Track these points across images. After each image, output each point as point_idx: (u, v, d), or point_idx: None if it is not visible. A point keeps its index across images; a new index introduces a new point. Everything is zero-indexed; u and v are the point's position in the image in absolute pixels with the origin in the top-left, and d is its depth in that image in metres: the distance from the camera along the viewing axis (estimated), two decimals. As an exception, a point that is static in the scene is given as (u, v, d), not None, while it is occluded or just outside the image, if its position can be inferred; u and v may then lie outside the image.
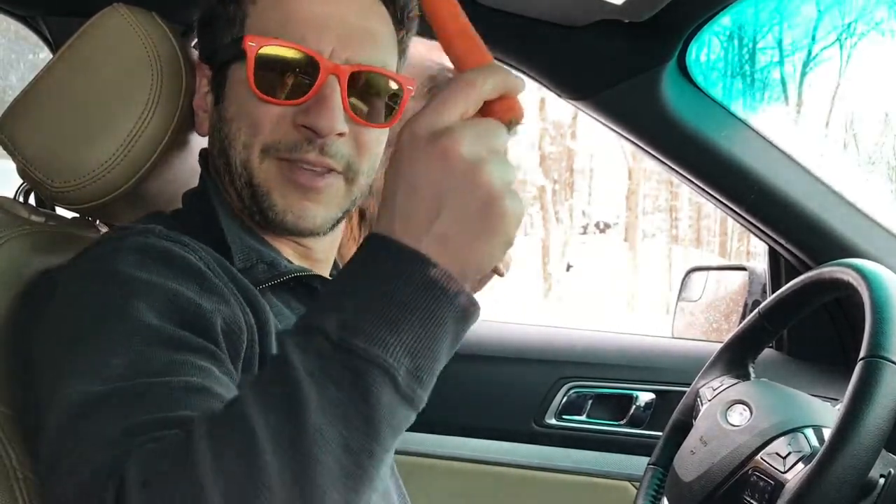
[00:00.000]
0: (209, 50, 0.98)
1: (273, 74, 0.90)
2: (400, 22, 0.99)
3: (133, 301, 0.73)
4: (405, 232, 0.63)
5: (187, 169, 1.08)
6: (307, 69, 0.90)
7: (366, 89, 0.93)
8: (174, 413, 0.63)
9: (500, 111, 0.67)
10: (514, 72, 0.69)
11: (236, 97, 0.93)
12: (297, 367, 0.59)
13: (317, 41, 0.90)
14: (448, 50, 0.70)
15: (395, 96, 0.96)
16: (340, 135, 0.91)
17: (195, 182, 1.02)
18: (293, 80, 0.90)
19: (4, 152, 1.01)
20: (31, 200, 1.11)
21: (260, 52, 0.89)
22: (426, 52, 1.55)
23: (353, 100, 0.92)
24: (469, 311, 0.64)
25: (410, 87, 0.97)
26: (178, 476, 0.56)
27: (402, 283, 0.61)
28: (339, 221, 0.98)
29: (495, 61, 0.68)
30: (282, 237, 0.98)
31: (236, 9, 0.94)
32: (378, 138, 0.98)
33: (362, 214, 2.00)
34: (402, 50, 1.02)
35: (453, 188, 0.62)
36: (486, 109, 0.66)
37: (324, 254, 1.04)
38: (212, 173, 0.99)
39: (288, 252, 0.99)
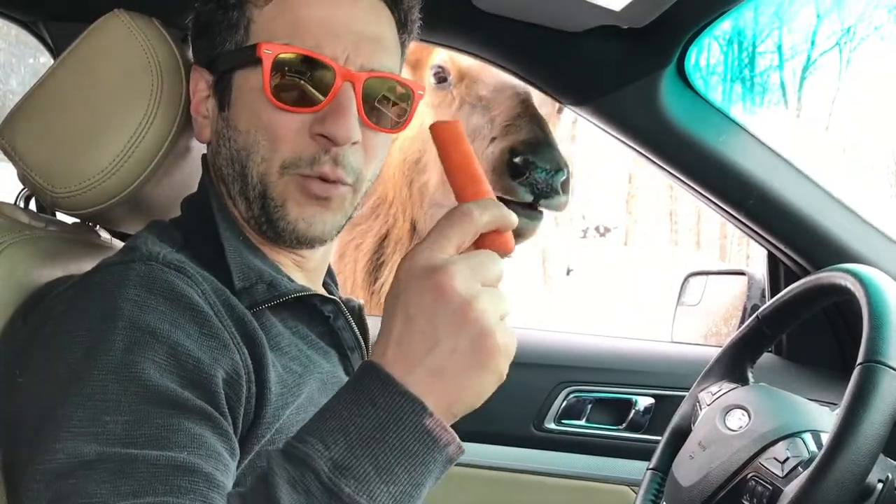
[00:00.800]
0: (209, 55, 0.96)
1: (289, 83, 0.89)
2: (404, 25, 0.99)
3: (133, 354, 0.73)
4: (399, 361, 0.65)
5: (187, 174, 1.08)
6: (323, 76, 0.89)
7: (379, 95, 0.94)
8: (163, 498, 0.64)
9: (495, 244, 0.71)
10: (506, 208, 0.72)
11: (248, 105, 0.92)
12: None
13: (332, 48, 0.89)
14: (450, 179, 0.75)
15: (406, 101, 0.96)
16: (354, 143, 0.91)
17: (196, 187, 1.01)
18: (308, 87, 0.89)
19: (5, 157, 1.01)
20: (32, 206, 1.11)
21: (276, 59, 0.88)
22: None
23: (367, 106, 0.92)
24: (454, 458, 0.67)
25: (421, 93, 0.98)
26: None
27: (396, 427, 0.64)
28: (341, 228, 0.98)
29: (493, 198, 0.72)
30: (282, 248, 0.97)
31: (239, 14, 0.93)
32: (385, 143, 0.98)
33: (413, 227, 2.02)
34: (403, 53, 1.02)
35: (448, 322, 0.65)
36: (480, 241, 0.70)
37: (319, 263, 1.04)
38: (215, 179, 0.98)
39: (286, 263, 0.99)
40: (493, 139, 1.81)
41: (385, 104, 0.95)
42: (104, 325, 0.75)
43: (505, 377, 0.69)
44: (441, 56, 1.96)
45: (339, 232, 0.98)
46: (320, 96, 0.89)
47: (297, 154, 0.90)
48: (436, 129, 0.77)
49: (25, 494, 0.67)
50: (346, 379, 0.97)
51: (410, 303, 0.66)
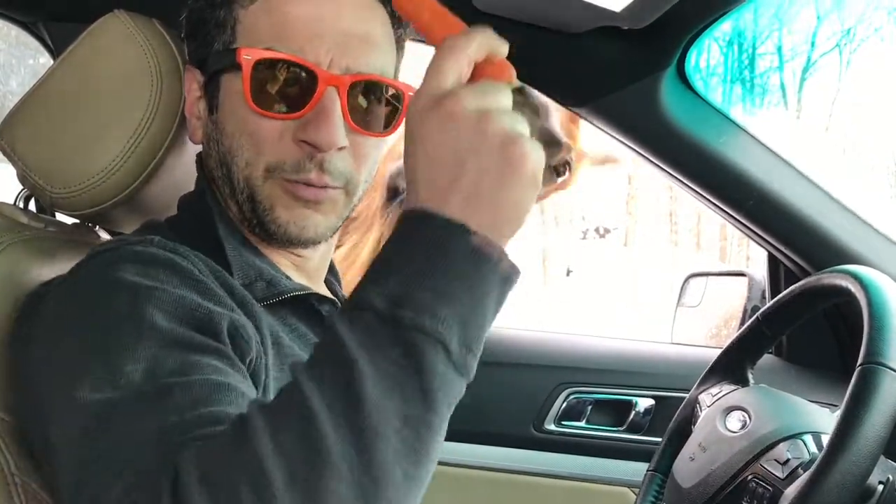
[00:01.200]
0: (199, 54, 0.95)
1: (270, 87, 0.87)
2: (398, 20, 0.97)
3: (140, 305, 0.72)
4: (431, 199, 0.63)
5: (187, 174, 1.08)
6: (305, 81, 0.87)
7: (366, 98, 0.91)
8: (206, 409, 0.63)
9: (493, 73, 0.68)
10: (493, 32, 0.70)
11: (233, 109, 0.91)
12: (349, 344, 0.59)
13: (314, 50, 0.87)
14: (428, 37, 0.72)
15: (396, 103, 0.94)
16: (340, 148, 0.89)
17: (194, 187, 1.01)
18: (291, 92, 0.87)
19: (4, 157, 1.01)
20: (32, 206, 1.11)
21: (255, 64, 0.86)
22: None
23: (353, 109, 0.89)
24: (511, 276, 0.64)
25: (411, 94, 0.93)
26: (239, 465, 0.56)
27: (443, 253, 0.61)
28: (337, 229, 0.97)
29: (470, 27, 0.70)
30: (279, 248, 0.97)
31: (227, 13, 0.91)
32: (377, 146, 0.96)
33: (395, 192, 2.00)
34: (399, 48, 0.99)
35: (467, 144, 0.63)
36: (477, 74, 0.68)
37: (318, 263, 1.03)
38: (209, 180, 0.98)
39: (284, 263, 0.98)
40: None
41: (374, 107, 0.93)
42: (106, 292, 0.75)
43: (541, 186, 0.66)
44: None
45: (334, 232, 0.97)
46: (303, 101, 0.87)
47: (280, 159, 0.89)
48: None
49: (66, 460, 0.66)
50: None
51: (426, 138, 0.65)
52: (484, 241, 0.63)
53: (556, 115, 1.61)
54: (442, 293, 0.60)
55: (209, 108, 0.95)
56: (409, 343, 0.59)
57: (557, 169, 1.62)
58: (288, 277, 0.95)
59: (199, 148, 1.00)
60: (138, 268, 0.77)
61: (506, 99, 0.67)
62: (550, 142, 1.59)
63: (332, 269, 1.11)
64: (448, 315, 0.60)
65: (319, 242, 0.96)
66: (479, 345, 0.63)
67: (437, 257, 0.61)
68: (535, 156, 0.64)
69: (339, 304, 1.00)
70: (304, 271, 1.00)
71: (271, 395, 0.82)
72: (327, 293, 1.05)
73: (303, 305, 0.95)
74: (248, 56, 0.86)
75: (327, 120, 0.86)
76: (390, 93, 0.93)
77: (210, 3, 0.93)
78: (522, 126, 0.65)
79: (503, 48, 0.70)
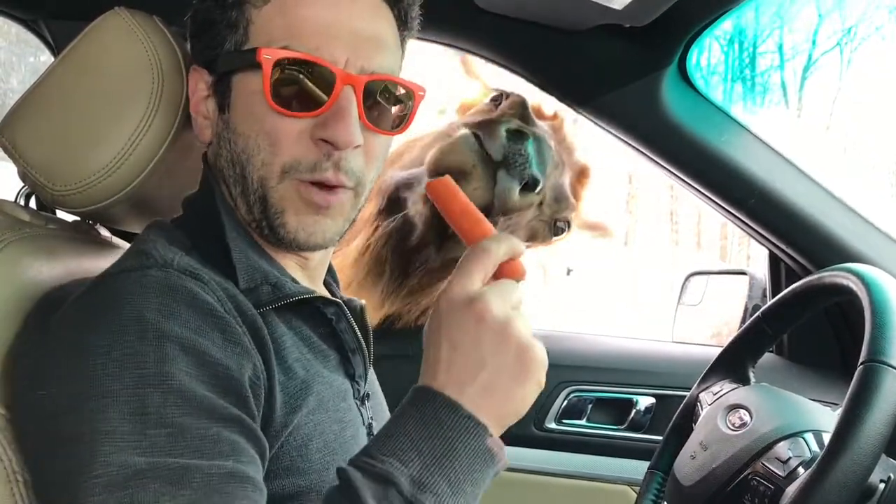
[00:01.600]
0: (208, 54, 0.95)
1: (289, 87, 0.88)
2: (404, 23, 0.98)
3: (167, 365, 0.73)
4: (451, 383, 0.74)
5: (188, 172, 1.08)
6: (323, 80, 0.88)
7: (379, 97, 0.93)
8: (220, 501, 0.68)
9: (511, 272, 0.81)
10: (516, 239, 0.83)
11: (249, 109, 0.91)
12: None
13: (331, 51, 0.88)
14: (456, 227, 0.86)
15: (408, 102, 0.96)
16: (356, 147, 0.90)
17: (196, 185, 1.00)
18: (309, 91, 0.89)
19: (5, 155, 1.01)
20: (32, 204, 1.11)
21: (276, 64, 0.87)
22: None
23: (368, 109, 0.91)
24: (501, 470, 0.76)
25: (421, 94, 0.97)
26: None
27: (464, 448, 0.72)
28: (344, 233, 0.98)
29: (496, 234, 0.83)
30: (286, 251, 0.97)
31: (238, 14, 0.92)
32: (386, 145, 0.98)
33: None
34: (403, 49, 1.01)
35: (492, 344, 0.74)
36: (497, 272, 0.80)
37: (319, 263, 1.04)
38: (217, 179, 0.98)
39: (290, 264, 0.98)
40: None
41: (386, 106, 0.94)
42: (133, 336, 0.75)
43: (543, 385, 0.77)
44: None
45: (341, 236, 0.98)
46: (321, 100, 0.89)
47: (297, 158, 0.90)
48: (432, 187, 0.88)
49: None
50: (345, 382, 0.98)
51: (454, 331, 0.75)
52: (496, 444, 0.74)
53: (568, 173, 1.65)
54: (456, 485, 0.71)
55: (220, 107, 0.95)
56: None
57: (557, 227, 1.65)
58: (294, 280, 0.96)
59: (201, 146, 1.00)
60: (161, 302, 0.78)
61: (520, 298, 0.79)
62: (560, 198, 1.62)
63: (329, 270, 1.12)
64: None
65: (326, 247, 0.97)
66: None
67: (459, 449, 0.72)
68: (543, 357, 0.76)
69: (342, 304, 1.00)
70: (307, 271, 1.01)
71: (279, 398, 0.84)
72: (328, 294, 1.05)
73: (307, 308, 0.96)
74: (268, 56, 0.87)
75: (346, 118, 0.88)
76: (401, 93, 0.95)
77: (220, 4, 0.93)
78: (531, 326, 0.77)
79: (522, 250, 0.83)
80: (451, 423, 0.72)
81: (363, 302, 1.08)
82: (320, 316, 0.97)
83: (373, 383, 1.11)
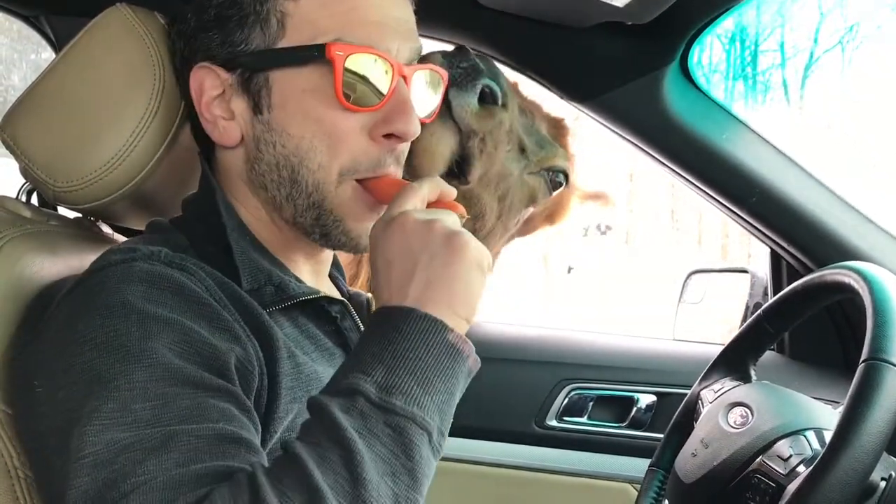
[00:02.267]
0: (225, 51, 0.90)
1: (353, 83, 0.86)
2: (415, 4, 0.97)
3: (150, 341, 0.73)
4: (395, 293, 0.74)
5: (190, 169, 1.08)
6: (383, 73, 0.87)
7: (424, 86, 0.94)
8: (212, 463, 0.66)
9: (444, 207, 0.83)
10: (441, 180, 0.85)
11: (302, 109, 0.88)
12: (347, 428, 0.65)
13: (384, 41, 0.87)
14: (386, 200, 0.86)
15: (439, 89, 0.97)
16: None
17: (196, 182, 1.00)
18: (372, 86, 0.87)
19: (7, 152, 1.01)
20: (34, 200, 1.11)
21: (348, 60, 0.85)
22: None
23: (416, 98, 0.91)
24: (473, 369, 0.75)
25: (447, 79, 0.99)
26: None
27: (426, 346, 0.70)
28: None
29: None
30: (296, 248, 0.96)
31: (269, 8, 0.88)
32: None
33: None
34: None
35: (417, 242, 0.75)
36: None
37: (328, 256, 1.04)
38: (224, 180, 0.95)
39: (295, 260, 0.97)
40: None
41: (428, 94, 0.96)
42: (116, 319, 0.75)
43: (489, 271, 0.78)
44: None
45: None
46: (381, 94, 0.87)
47: (356, 159, 0.89)
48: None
49: (71, 492, 0.66)
50: None
51: (384, 247, 0.77)
52: (458, 338, 0.73)
53: (543, 124, 1.52)
54: (424, 382, 0.69)
55: (256, 107, 0.91)
56: (400, 429, 0.67)
57: (554, 180, 1.50)
58: (298, 279, 0.95)
59: (261, 130, 0.94)
60: (145, 289, 0.77)
61: (451, 220, 0.79)
62: (543, 143, 1.48)
63: (335, 263, 1.11)
64: (430, 404, 0.69)
65: None
66: (448, 429, 0.71)
67: (421, 349, 0.70)
68: (475, 244, 0.76)
69: (347, 302, 1.00)
70: (316, 266, 1.01)
71: (282, 405, 0.83)
72: (333, 290, 1.05)
73: (312, 306, 0.95)
74: (340, 52, 0.84)
75: (409, 109, 0.88)
76: (436, 79, 0.96)
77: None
78: (461, 228, 0.77)
79: (453, 192, 0.85)
80: (406, 327, 0.71)
81: (369, 295, 1.08)
82: (325, 314, 0.97)
83: None
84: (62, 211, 1.10)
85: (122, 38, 1.00)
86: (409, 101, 0.88)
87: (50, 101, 0.99)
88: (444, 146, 1.25)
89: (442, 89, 0.98)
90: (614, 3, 1.30)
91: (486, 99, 1.26)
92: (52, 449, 0.74)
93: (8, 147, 1.00)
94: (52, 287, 0.91)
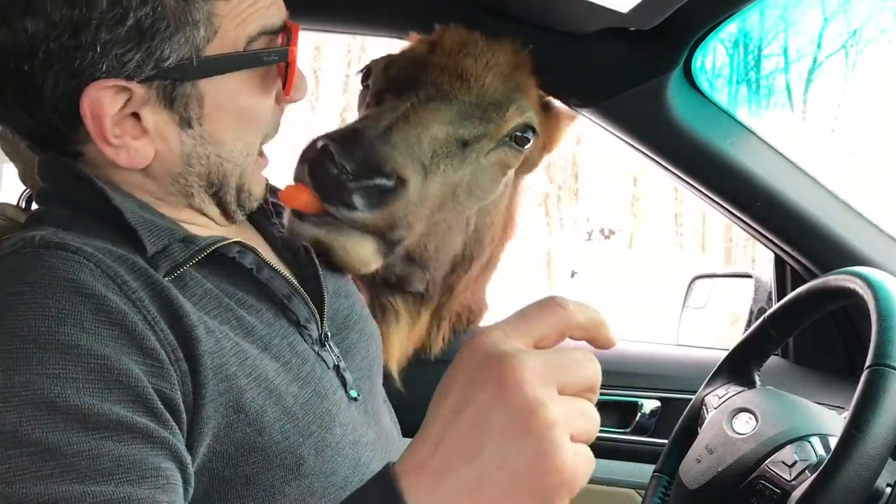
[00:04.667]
0: (146, 65, 0.77)
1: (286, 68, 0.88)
2: None
3: (24, 373, 0.63)
4: (432, 465, 0.54)
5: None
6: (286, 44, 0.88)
7: None
8: None
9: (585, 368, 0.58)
10: (601, 313, 0.61)
11: (237, 111, 0.85)
12: None
13: (281, 12, 0.88)
14: None
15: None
16: None
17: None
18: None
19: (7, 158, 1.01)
20: (34, 207, 1.11)
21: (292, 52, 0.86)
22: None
23: None
24: None
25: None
26: None
27: None
28: None
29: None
30: (190, 209, 0.89)
31: (196, 14, 0.78)
32: None
33: None
34: None
35: (501, 428, 0.52)
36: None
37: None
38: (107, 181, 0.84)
39: (191, 221, 0.89)
40: None
41: None
42: (14, 349, 0.64)
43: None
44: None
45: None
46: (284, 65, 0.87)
47: (268, 133, 0.93)
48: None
49: None
50: (290, 333, 0.89)
51: (462, 393, 0.54)
52: None
53: (493, 83, 1.32)
54: None
55: (182, 121, 0.82)
56: None
57: (519, 136, 1.31)
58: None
59: (191, 145, 0.85)
60: (12, 291, 0.67)
61: (585, 381, 0.56)
62: (489, 112, 1.30)
63: (261, 207, 1.01)
64: None
65: None
66: None
67: None
68: (575, 479, 0.54)
69: (274, 247, 1.00)
70: (217, 223, 0.93)
71: (208, 367, 0.74)
72: (252, 237, 0.99)
73: (224, 262, 0.85)
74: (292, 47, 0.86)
75: (303, 76, 0.90)
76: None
77: (159, 5, 0.76)
78: (587, 427, 0.55)
79: (608, 333, 0.61)
80: None
81: (305, 244, 1.02)
82: (241, 268, 0.87)
83: (341, 312, 1.02)
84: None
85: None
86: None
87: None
88: (366, 252, 1.15)
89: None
90: (618, 8, 1.30)
91: (385, 197, 1.12)
92: None
93: (8, 153, 0.99)
94: None
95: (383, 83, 1.34)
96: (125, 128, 0.80)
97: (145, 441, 0.65)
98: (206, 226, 0.91)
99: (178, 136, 0.83)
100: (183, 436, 0.71)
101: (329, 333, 0.95)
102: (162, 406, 0.68)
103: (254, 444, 0.77)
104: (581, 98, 1.54)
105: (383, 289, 1.38)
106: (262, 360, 0.81)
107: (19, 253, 0.71)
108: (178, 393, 0.71)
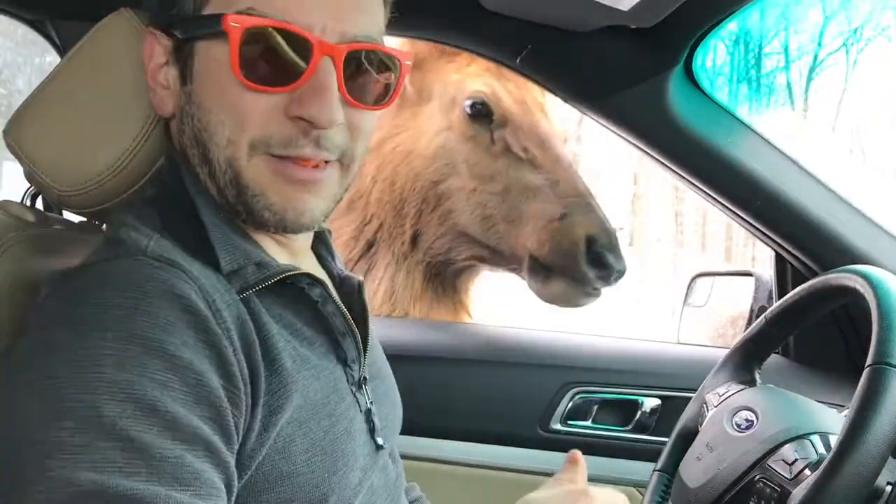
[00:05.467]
0: (166, 16, 0.85)
1: (260, 58, 0.79)
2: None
3: (126, 371, 0.66)
4: None
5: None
6: (299, 50, 0.79)
7: (362, 69, 0.84)
8: None
9: None
10: None
11: (214, 81, 0.82)
12: None
13: (305, 15, 0.79)
14: None
15: (393, 74, 0.87)
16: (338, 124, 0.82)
17: None
18: (283, 63, 0.79)
19: (12, 155, 1.01)
20: (39, 204, 1.11)
21: (245, 33, 0.78)
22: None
23: (349, 81, 0.82)
24: None
25: (408, 63, 0.89)
26: None
27: None
28: (331, 212, 0.90)
29: None
30: (265, 232, 0.89)
31: None
32: (371, 119, 0.89)
33: (414, 240, 1.99)
34: (386, 14, 0.91)
35: None
36: None
37: (304, 244, 0.97)
38: (183, 156, 0.90)
39: (270, 246, 0.90)
40: (565, 215, 1.82)
41: (369, 78, 0.85)
42: (91, 338, 0.68)
43: None
44: (481, 86, 1.88)
45: (328, 216, 0.90)
46: (297, 73, 0.79)
47: (267, 133, 0.81)
48: None
49: None
50: (336, 369, 0.90)
51: None
52: None
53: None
54: None
55: (181, 77, 0.86)
56: None
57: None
58: (275, 261, 0.88)
59: (184, 100, 0.89)
60: (128, 297, 0.70)
61: None
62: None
63: (325, 242, 1.04)
64: None
65: (313, 228, 0.90)
66: None
67: None
68: None
69: (332, 283, 0.95)
70: (291, 253, 0.94)
71: (263, 396, 0.77)
72: (317, 270, 0.99)
73: (290, 291, 0.88)
74: (235, 24, 0.78)
75: (325, 94, 0.79)
76: (386, 63, 0.87)
77: None
78: None
79: None
80: None
81: (360, 278, 1.00)
82: (305, 299, 0.88)
83: (376, 363, 1.04)
84: (67, 215, 1.10)
85: (126, 41, 0.99)
86: (327, 86, 0.79)
87: (54, 105, 0.99)
88: None
89: (399, 74, 0.87)
90: (618, 7, 1.30)
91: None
92: (2, 463, 0.66)
93: (13, 151, 1.00)
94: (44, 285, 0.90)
95: None
96: (162, 77, 0.88)
97: (214, 460, 0.69)
98: (277, 253, 0.91)
99: (179, 91, 0.87)
100: (236, 465, 0.74)
101: (367, 377, 0.96)
102: (232, 430, 0.72)
103: (281, 472, 0.79)
104: (582, 96, 1.54)
105: None
106: (305, 396, 0.83)
107: (135, 259, 0.75)
108: (242, 421, 0.74)
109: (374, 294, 1.99)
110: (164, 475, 0.64)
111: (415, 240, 1.99)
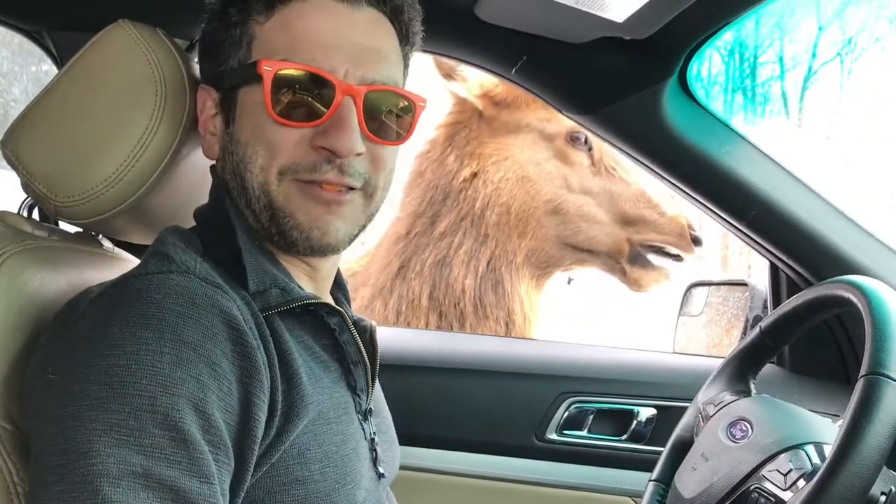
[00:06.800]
0: (215, 73, 0.98)
1: (289, 97, 0.90)
2: (405, 38, 1.00)
3: (179, 370, 0.75)
4: None
5: (191, 184, 1.08)
6: (323, 91, 0.90)
7: (380, 108, 0.95)
8: None
9: None
10: None
11: (251, 120, 0.93)
12: None
13: (329, 61, 0.91)
14: None
15: (409, 114, 0.98)
16: (358, 154, 0.92)
17: (199, 197, 1.02)
18: (309, 101, 0.91)
19: (8, 166, 1.01)
20: (35, 215, 1.11)
21: (276, 75, 0.89)
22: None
23: (369, 118, 0.93)
24: None
25: (422, 104, 0.99)
26: None
27: None
28: (354, 238, 0.99)
29: None
30: (295, 257, 0.98)
31: (242, 31, 0.95)
32: (393, 154, 0.99)
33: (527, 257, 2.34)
34: (405, 65, 1.03)
35: None
36: None
37: (328, 273, 1.05)
38: (228, 191, 0.99)
39: (298, 273, 0.99)
40: (663, 213, 2.35)
41: (388, 116, 0.96)
42: (150, 333, 0.76)
43: None
44: None
45: (351, 241, 0.99)
46: (321, 111, 0.91)
47: (295, 160, 0.92)
48: None
49: (71, 488, 0.68)
50: (347, 395, 0.98)
51: None
52: None
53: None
54: None
55: (225, 122, 0.97)
56: None
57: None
58: (300, 287, 0.97)
59: (206, 159, 1.02)
60: (182, 306, 0.79)
61: None
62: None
63: (339, 283, 1.13)
64: None
65: (338, 250, 0.98)
66: None
67: None
68: None
69: (345, 314, 1.00)
70: (315, 281, 1.02)
71: (280, 409, 0.84)
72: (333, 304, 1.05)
73: (310, 317, 0.96)
74: (268, 67, 0.89)
75: (345, 127, 0.90)
76: (402, 104, 0.97)
77: (225, 24, 0.96)
78: None
79: None
80: None
81: (373, 323, 1.09)
82: (323, 326, 0.97)
83: (378, 402, 1.12)
84: (63, 226, 1.10)
85: (124, 54, 1.00)
86: (348, 120, 0.90)
87: (52, 116, 1.00)
88: None
89: (415, 114, 0.99)
90: (613, 18, 1.31)
91: None
92: (54, 439, 0.73)
93: (9, 161, 1.00)
94: (54, 302, 0.91)
95: None
96: (211, 126, 0.99)
97: (227, 465, 0.78)
98: (303, 279, 1.00)
99: (224, 135, 0.98)
100: (250, 469, 0.82)
101: (371, 410, 1.03)
102: (247, 438, 0.80)
103: (296, 477, 0.86)
104: (577, 107, 1.55)
105: None
106: (320, 411, 0.91)
107: (186, 276, 0.84)
108: (259, 429, 0.82)
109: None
110: (201, 469, 0.72)
111: (528, 254, 2.34)
